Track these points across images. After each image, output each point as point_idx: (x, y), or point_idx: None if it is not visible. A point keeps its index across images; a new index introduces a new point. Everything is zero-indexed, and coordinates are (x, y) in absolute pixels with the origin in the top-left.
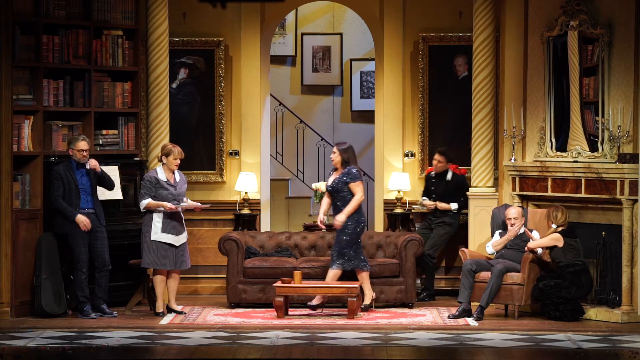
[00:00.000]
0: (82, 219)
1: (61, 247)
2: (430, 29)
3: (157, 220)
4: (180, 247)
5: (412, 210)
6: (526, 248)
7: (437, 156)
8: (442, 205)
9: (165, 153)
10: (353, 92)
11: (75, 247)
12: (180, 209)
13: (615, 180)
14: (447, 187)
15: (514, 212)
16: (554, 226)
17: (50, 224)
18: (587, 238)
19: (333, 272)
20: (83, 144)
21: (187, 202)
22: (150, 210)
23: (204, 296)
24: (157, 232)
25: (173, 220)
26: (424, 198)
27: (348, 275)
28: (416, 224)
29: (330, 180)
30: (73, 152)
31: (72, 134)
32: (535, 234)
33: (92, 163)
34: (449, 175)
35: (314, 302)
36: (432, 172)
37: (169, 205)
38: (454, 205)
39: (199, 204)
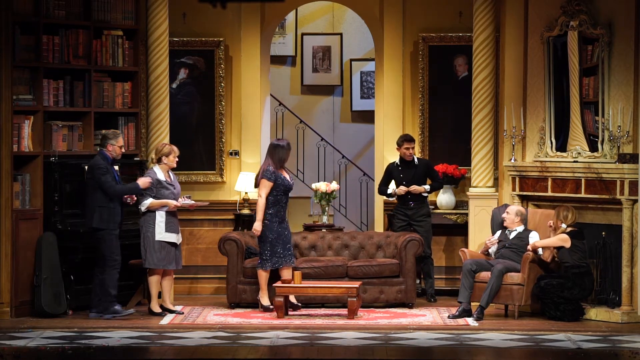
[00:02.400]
0: (145, 180)
1: (61, 247)
2: (430, 29)
3: (160, 220)
4: (179, 246)
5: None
6: (529, 247)
7: (408, 144)
8: (416, 188)
9: (166, 153)
10: (353, 92)
11: (112, 245)
12: (188, 205)
13: (615, 180)
14: (417, 171)
15: (512, 208)
16: (564, 226)
17: (50, 224)
18: (587, 238)
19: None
20: (121, 140)
21: (189, 200)
22: (150, 211)
23: (203, 296)
24: (161, 232)
25: (173, 219)
26: (393, 188)
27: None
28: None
29: (289, 178)
30: (113, 147)
31: (73, 133)
32: (534, 235)
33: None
34: (416, 160)
35: (266, 303)
36: (396, 161)
37: (174, 202)
38: (426, 186)
39: (200, 202)
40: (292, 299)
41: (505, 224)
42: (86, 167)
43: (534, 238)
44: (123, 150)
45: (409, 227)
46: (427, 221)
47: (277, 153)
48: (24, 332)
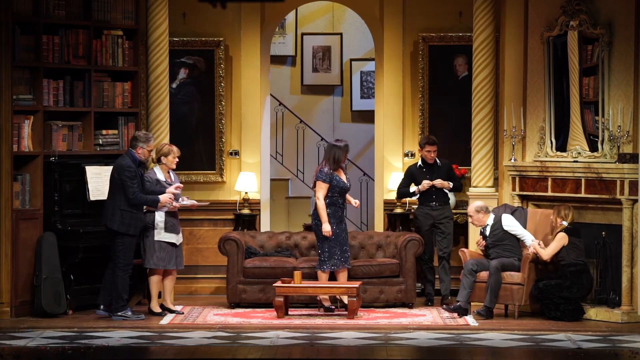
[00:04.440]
0: (166, 197)
1: (61, 247)
2: (430, 29)
3: (160, 220)
4: (179, 246)
5: (412, 211)
6: (530, 249)
7: (429, 147)
8: (442, 182)
9: (164, 153)
10: (353, 92)
11: (129, 249)
12: (189, 205)
13: (615, 180)
14: (441, 172)
15: (471, 209)
16: (564, 223)
17: (50, 224)
18: (587, 238)
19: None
20: (153, 144)
21: (189, 200)
22: (150, 211)
23: (203, 296)
24: (160, 232)
25: (173, 219)
26: (414, 187)
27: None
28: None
29: (345, 179)
30: (142, 150)
31: (73, 133)
32: (506, 217)
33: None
34: (439, 162)
35: (327, 303)
36: (418, 163)
37: (173, 203)
38: (451, 184)
39: (196, 202)
40: (345, 299)
41: (476, 226)
42: (113, 165)
43: (508, 223)
44: (153, 155)
45: (434, 228)
46: (451, 224)
47: (333, 153)
48: (24, 332)
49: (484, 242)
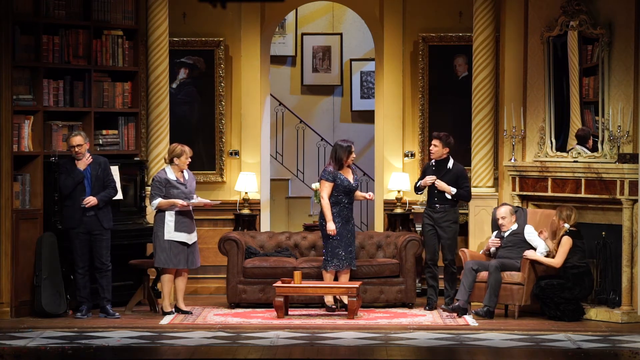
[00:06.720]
0: (82, 162)
1: (61, 247)
2: (430, 29)
3: (170, 219)
4: (192, 245)
5: (412, 211)
6: (526, 254)
7: (433, 141)
8: (442, 184)
9: (177, 154)
10: (353, 92)
11: (72, 246)
12: (191, 206)
13: (615, 180)
14: (447, 175)
15: (505, 211)
16: (566, 226)
17: (50, 224)
18: (587, 238)
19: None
20: (73, 140)
21: (198, 199)
22: (160, 210)
23: (204, 296)
24: (170, 231)
25: (185, 218)
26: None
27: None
28: (416, 224)
29: (352, 179)
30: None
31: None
32: (529, 229)
33: (91, 202)
34: (450, 164)
35: (329, 303)
36: (432, 161)
37: (180, 202)
38: (453, 190)
39: (209, 201)
40: (345, 299)
41: (503, 229)
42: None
43: (530, 232)
44: (78, 150)
45: (435, 232)
46: (453, 228)
47: (337, 153)
48: (24, 332)
49: (499, 243)
